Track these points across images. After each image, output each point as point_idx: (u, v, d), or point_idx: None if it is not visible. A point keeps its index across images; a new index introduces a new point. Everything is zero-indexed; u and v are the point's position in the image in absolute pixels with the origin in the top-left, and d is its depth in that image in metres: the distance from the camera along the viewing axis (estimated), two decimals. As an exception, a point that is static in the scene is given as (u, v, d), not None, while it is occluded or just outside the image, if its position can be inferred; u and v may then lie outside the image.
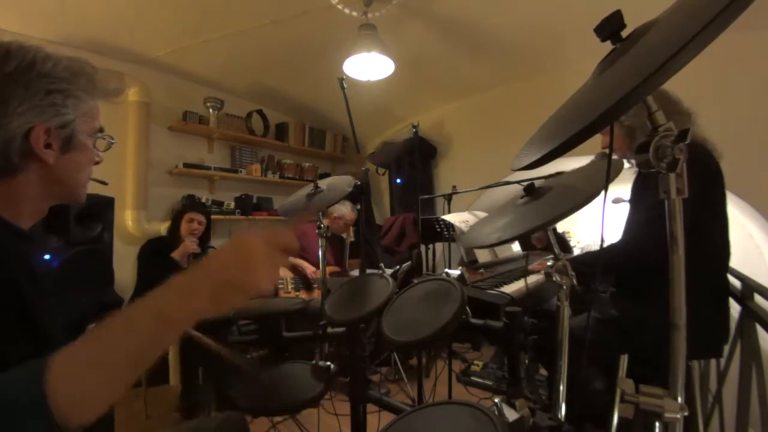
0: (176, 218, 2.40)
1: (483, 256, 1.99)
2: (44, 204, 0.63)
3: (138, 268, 2.33)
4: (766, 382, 1.24)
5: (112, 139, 0.71)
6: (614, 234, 1.46)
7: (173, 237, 2.35)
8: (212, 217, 3.09)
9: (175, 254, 2.26)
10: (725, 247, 1.27)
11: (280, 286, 2.74)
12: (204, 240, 2.46)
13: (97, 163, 0.69)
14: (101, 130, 0.67)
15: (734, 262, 1.31)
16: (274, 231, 0.50)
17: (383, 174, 4.01)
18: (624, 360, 0.61)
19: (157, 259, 2.27)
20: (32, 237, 0.62)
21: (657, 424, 0.49)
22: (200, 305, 0.42)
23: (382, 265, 1.17)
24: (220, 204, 3.18)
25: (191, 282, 0.43)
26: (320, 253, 1.44)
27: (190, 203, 2.53)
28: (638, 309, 1.26)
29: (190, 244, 2.27)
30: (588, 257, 1.49)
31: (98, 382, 0.37)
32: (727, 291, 1.32)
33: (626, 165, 1.42)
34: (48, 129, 0.57)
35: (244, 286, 0.44)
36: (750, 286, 1.39)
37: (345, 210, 2.82)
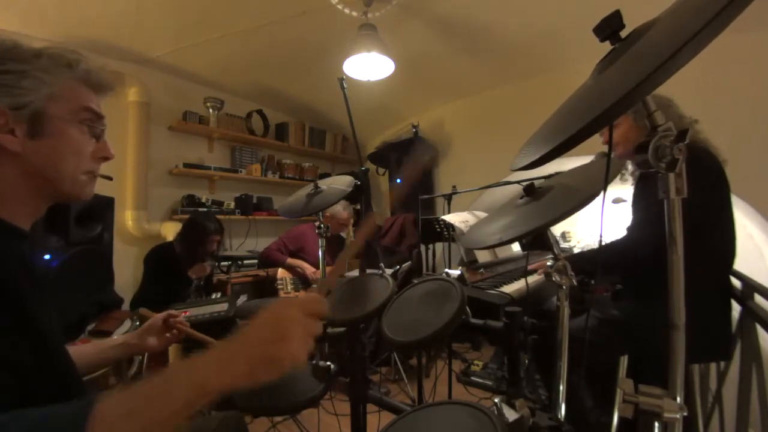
0: (196, 235, 2.30)
1: (483, 256, 1.99)
2: (35, 201, 0.61)
3: (145, 274, 2.31)
4: (766, 382, 1.24)
5: (97, 125, 0.64)
6: (614, 234, 1.46)
7: (187, 252, 2.30)
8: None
9: (192, 273, 2.28)
10: (732, 250, 1.27)
11: (280, 286, 2.74)
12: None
13: (106, 158, 0.66)
14: (97, 116, 0.63)
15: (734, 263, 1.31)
16: (309, 300, 0.50)
17: (383, 174, 4.01)
18: (624, 360, 0.61)
19: (169, 270, 2.25)
20: (26, 235, 0.60)
21: (656, 424, 0.49)
22: (237, 378, 0.44)
23: (382, 265, 1.17)
24: (220, 204, 3.18)
25: (230, 355, 0.45)
26: (320, 253, 1.44)
27: (213, 224, 2.35)
28: (645, 309, 1.25)
29: (208, 268, 2.35)
30: (591, 254, 1.49)
31: None
32: (731, 293, 1.31)
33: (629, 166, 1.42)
34: (2, 110, 0.55)
35: (280, 360, 0.46)
36: (750, 286, 1.38)
37: (338, 208, 2.75)
